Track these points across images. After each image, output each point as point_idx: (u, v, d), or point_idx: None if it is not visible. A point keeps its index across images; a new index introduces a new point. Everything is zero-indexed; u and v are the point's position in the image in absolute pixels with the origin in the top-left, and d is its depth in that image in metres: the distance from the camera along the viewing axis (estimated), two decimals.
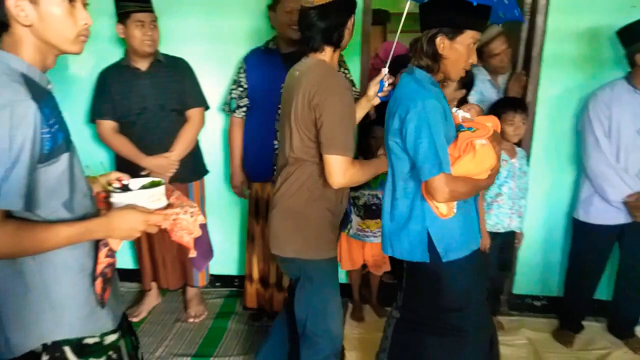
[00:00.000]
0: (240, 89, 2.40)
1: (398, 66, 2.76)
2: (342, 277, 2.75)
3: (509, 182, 2.32)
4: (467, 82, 2.23)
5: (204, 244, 1.23)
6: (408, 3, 1.63)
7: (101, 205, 1.19)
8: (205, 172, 2.58)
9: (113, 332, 1.16)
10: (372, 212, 2.52)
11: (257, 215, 2.46)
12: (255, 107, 2.38)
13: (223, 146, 2.71)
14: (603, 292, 2.52)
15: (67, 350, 1.09)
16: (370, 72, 2.72)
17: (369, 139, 2.48)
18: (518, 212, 2.36)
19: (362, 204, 2.52)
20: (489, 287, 2.49)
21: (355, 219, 2.53)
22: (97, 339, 1.13)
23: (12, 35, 0.99)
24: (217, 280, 2.94)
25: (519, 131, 2.28)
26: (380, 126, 2.10)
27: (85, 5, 1.05)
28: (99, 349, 1.13)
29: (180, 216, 1.16)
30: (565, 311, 2.54)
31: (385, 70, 1.73)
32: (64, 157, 1.02)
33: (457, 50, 1.47)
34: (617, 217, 2.24)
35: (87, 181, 1.15)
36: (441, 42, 1.46)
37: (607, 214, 2.25)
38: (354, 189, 2.47)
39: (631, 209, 2.19)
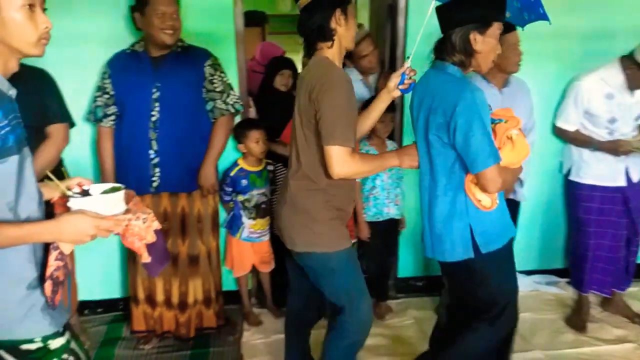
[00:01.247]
0: (106, 96, 2.21)
1: (275, 68, 2.79)
2: (231, 284, 2.71)
3: (381, 174, 2.47)
4: None
5: (158, 250, 1.26)
6: (433, 3, 1.66)
7: (61, 210, 1.19)
8: None
9: (58, 334, 1.15)
10: (263, 210, 2.54)
11: None
12: (125, 115, 2.21)
13: (92, 159, 2.48)
14: None
15: (2, 353, 1.11)
16: (248, 75, 2.69)
17: None
18: (395, 201, 2.52)
19: (254, 205, 2.50)
20: (378, 273, 2.64)
21: (247, 222, 2.52)
22: (39, 344, 1.12)
23: None
24: (99, 305, 2.69)
25: (388, 128, 2.45)
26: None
27: (44, 9, 1.09)
28: (44, 354, 1.13)
29: (132, 222, 1.18)
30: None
31: (407, 63, 1.72)
32: (13, 159, 1.05)
33: (490, 43, 1.53)
34: None
35: (39, 187, 1.17)
36: (474, 37, 1.51)
37: None
38: (243, 191, 2.46)
39: None
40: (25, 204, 1.09)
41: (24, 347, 1.11)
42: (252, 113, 2.76)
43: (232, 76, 2.47)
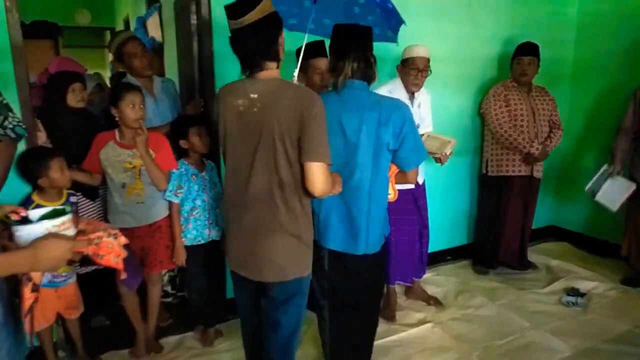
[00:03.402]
0: None
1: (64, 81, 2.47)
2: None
3: (202, 195, 2.40)
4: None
5: (132, 264, 1.25)
6: (307, 35, 2.06)
7: None
8: None
9: None
10: None
11: None
12: None
13: None
14: None
15: None
16: (37, 92, 2.35)
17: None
18: (215, 222, 2.46)
19: None
20: (202, 299, 2.54)
21: None
22: None
23: None
24: None
25: (205, 142, 2.39)
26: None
27: None
28: None
29: (104, 239, 1.19)
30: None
31: (295, 74, 1.99)
32: None
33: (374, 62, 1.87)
34: None
35: None
36: (372, 59, 1.82)
37: None
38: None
39: None
40: None
41: None
42: (42, 137, 2.40)
43: (11, 96, 2.12)
